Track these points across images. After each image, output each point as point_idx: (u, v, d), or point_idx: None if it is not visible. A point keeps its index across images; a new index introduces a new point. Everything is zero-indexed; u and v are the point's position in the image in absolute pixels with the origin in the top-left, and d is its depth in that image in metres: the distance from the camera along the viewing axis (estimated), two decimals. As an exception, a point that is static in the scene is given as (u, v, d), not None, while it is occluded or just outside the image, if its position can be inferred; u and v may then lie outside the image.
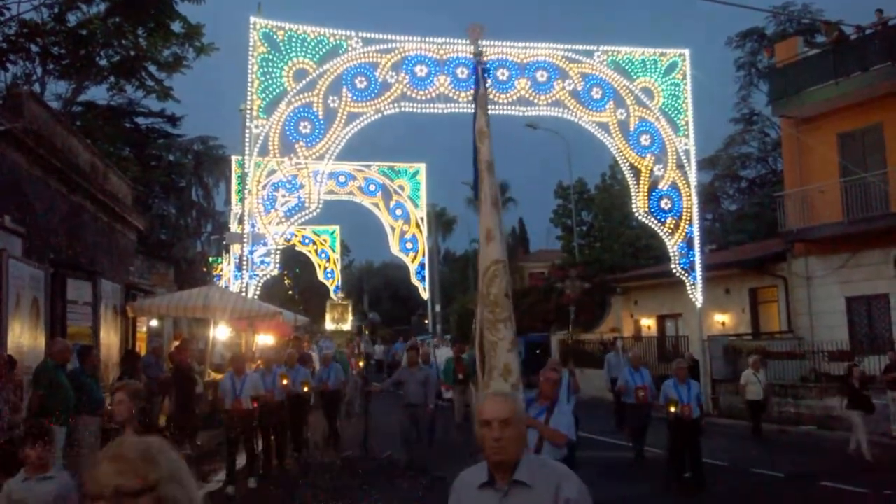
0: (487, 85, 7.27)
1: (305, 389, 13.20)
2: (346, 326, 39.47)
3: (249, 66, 15.96)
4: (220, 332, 16.02)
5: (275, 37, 16.16)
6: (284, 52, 16.15)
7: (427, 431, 13.24)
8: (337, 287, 31.63)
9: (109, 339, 14.46)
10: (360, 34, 16.64)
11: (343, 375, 15.46)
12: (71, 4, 19.25)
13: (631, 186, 18.29)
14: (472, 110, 17.02)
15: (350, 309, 41.14)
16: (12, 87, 17.47)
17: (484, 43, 17.44)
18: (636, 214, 18.60)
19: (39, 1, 18.80)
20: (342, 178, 24.44)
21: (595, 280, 30.13)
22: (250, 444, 11.38)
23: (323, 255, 31.21)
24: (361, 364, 16.94)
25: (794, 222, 20.42)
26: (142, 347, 16.58)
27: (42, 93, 19.15)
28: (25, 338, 10.07)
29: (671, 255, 18.51)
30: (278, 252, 16.67)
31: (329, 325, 35.97)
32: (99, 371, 12.01)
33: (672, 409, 10.45)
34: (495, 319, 5.86)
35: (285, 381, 12.24)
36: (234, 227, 22.52)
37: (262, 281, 16.67)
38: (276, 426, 12.16)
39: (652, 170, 18.14)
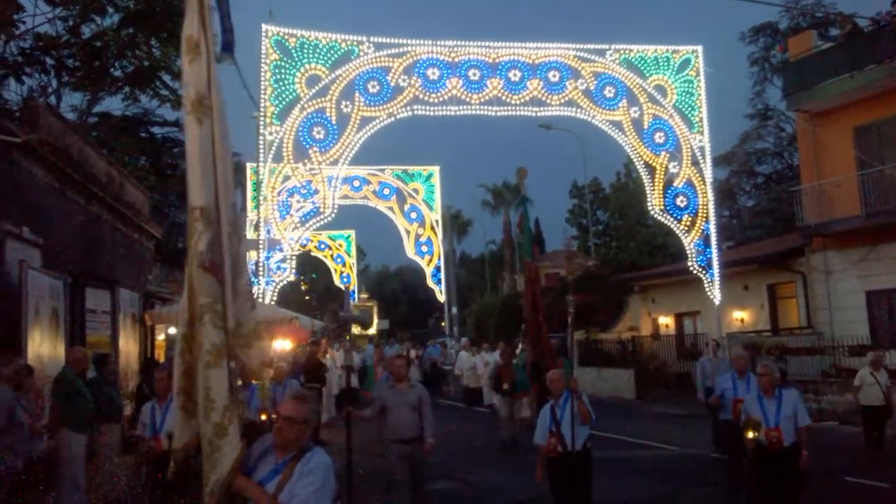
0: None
1: (263, 418, 9.94)
2: (372, 330, 39.39)
3: (262, 74, 16.04)
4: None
5: (287, 44, 16.23)
6: (297, 59, 16.22)
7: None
8: (353, 292, 31.71)
9: (128, 347, 14.56)
10: (371, 39, 16.70)
11: None
12: (85, 17, 19.39)
13: (646, 184, 18.22)
14: (486, 112, 17.07)
15: (375, 311, 41.09)
16: (28, 99, 17.61)
17: (496, 44, 17.53)
18: (652, 212, 18.51)
19: (54, 14, 18.98)
20: (356, 183, 24.55)
21: (612, 279, 30.06)
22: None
23: (339, 260, 31.34)
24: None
25: (812, 217, 20.25)
26: (160, 355, 16.69)
27: (58, 105, 19.32)
28: (45, 347, 10.15)
29: (688, 252, 18.41)
30: (294, 258, 16.72)
31: (353, 329, 35.61)
32: (118, 379, 12.10)
33: (751, 435, 7.41)
34: (191, 313, 3.84)
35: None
36: (250, 233, 22.63)
37: (278, 287, 16.74)
38: None
39: (667, 167, 18.07)
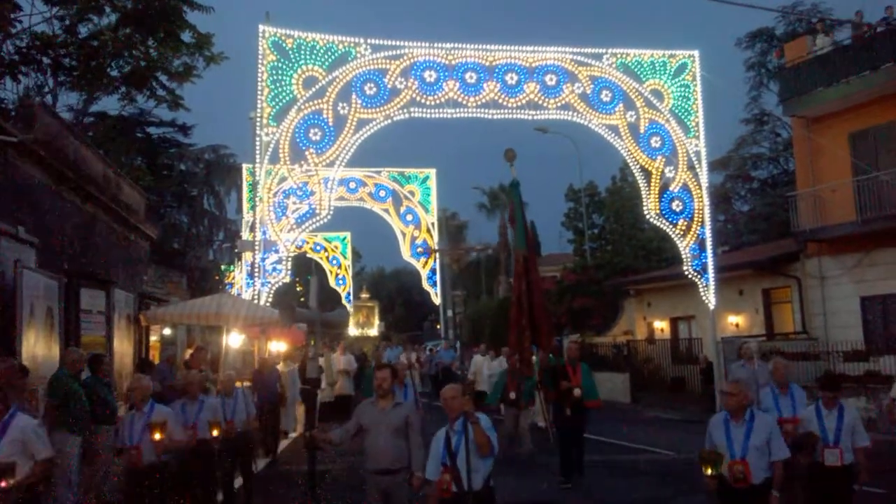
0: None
1: (214, 433, 8.69)
2: (373, 331, 39.09)
3: (259, 75, 16.01)
4: (233, 340, 16.06)
5: (284, 45, 16.21)
6: (294, 60, 16.20)
7: None
8: (349, 294, 31.68)
9: (123, 347, 14.50)
10: (368, 41, 16.69)
11: (253, 410, 10.34)
12: (82, 16, 19.39)
13: (642, 189, 18.24)
14: (483, 114, 17.09)
15: (376, 311, 40.80)
16: (25, 98, 17.58)
17: (493, 47, 17.53)
18: (647, 216, 18.53)
19: (51, 13, 18.95)
20: (352, 185, 24.52)
21: (607, 283, 30.09)
22: None
23: (334, 262, 31.29)
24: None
25: (807, 222, 20.31)
26: (155, 356, 16.63)
27: (54, 104, 19.29)
28: (40, 347, 10.11)
29: (683, 256, 18.42)
30: (290, 259, 16.69)
31: (352, 330, 35.10)
32: (112, 380, 12.05)
33: (709, 473, 5.84)
34: None
35: (158, 436, 7.34)
36: (245, 234, 22.60)
37: (273, 288, 16.71)
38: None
39: (663, 172, 18.08)
